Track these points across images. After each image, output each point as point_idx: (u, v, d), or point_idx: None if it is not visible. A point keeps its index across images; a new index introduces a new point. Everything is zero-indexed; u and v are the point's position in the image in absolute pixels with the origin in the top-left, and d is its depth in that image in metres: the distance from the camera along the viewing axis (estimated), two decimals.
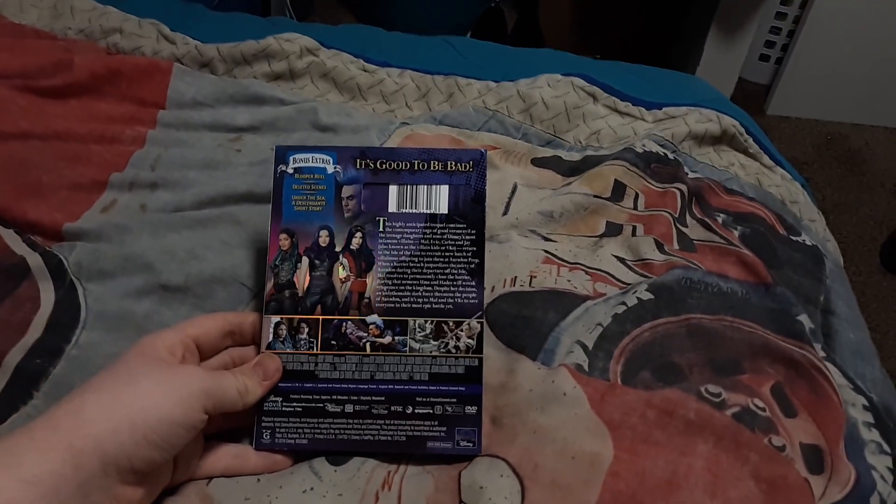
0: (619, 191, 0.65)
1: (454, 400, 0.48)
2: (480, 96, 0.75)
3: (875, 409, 0.53)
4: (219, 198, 0.62)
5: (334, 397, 0.48)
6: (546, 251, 0.59)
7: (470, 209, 0.51)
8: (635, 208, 0.64)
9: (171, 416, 0.39)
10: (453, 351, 0.49)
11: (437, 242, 0.50)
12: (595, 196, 0.64)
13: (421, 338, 0.49)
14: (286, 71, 0.76)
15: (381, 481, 0.46)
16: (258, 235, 0.59)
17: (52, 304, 0.55)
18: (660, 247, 0.60)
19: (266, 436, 0.47)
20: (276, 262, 0.49)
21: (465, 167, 0.51)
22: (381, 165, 0.51)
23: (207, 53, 0.77)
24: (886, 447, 0.51)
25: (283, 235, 0.50)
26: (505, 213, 0.63)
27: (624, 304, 0.55)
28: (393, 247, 0.50)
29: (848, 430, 0.51)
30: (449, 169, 0.51)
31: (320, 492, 0.45)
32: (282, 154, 0.51)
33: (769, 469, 0.46)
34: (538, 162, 0.69)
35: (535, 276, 0.57)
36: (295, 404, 0.48)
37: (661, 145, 0.69)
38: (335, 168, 0.51)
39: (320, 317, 0.49)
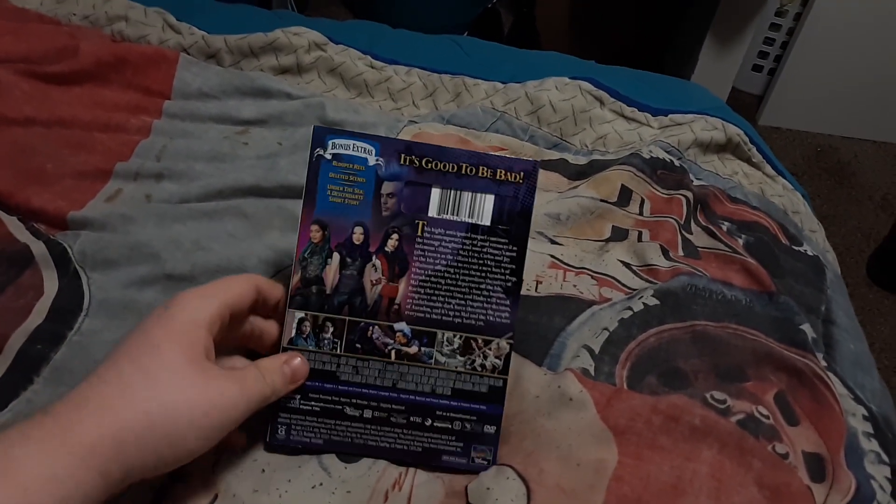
0: (625, 196, 0.65)
1: (474, 418, 0.47)
2: (488, 97, 0.75)
3: (874, 420, 0.54)
4: (226, 190, 0.62)
5: (354, 401, 0.47)
6: (552, 256, 0.59)
7: (514, 224, 0.47)
8: (641, 214, 0.65)
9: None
10: (479, 369, 0.47)
11: (475, 255, 0.47)
12: (602, 200, 0.64)
13: (448, 352, 0.47)
14: (294, 65, 0.76)
15: (391, 481, 0.46)
16: (265, 229, 0.59)
17: (56, 292, 0.54)
18: (665, 253, 0.60)
19: (281, 431, 0.46)
20: (305, 255, 0.46)
21: (516, 178, 0.47)
22: (426, 164, 0.47)
23: (214, 44, 0.76)
24: (885, 457, 0.51)
25: (314, 227, 0.46)
26: None
27: (630, 309, 0.55)
28: (429, 254, 0.47)
29: (848, 440, 0.51)
30: (498, 177, 0.47)
31: (329, 487, 0.45)
32: (320, 136, 0.46)
33: (773, 476, 0.46)
34: (545, 165, 0.69)
35: (541, 282, 0.57)
36: (313, 403, 0.46)
37: (667, 152, 0.70)
38: (377, 160, 0.47)
39: (347, 317, 0.47)
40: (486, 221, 0.47)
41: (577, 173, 0.68)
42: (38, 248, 0.57)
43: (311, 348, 0.46)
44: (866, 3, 1.72)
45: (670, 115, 0.76)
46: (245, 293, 0.43)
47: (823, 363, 0.55)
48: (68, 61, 0.69)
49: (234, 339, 0.45)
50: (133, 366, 0.37)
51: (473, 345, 0.47)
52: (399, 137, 0.68)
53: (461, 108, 0.74)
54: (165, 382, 0.37)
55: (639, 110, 0.76)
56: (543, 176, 0.68)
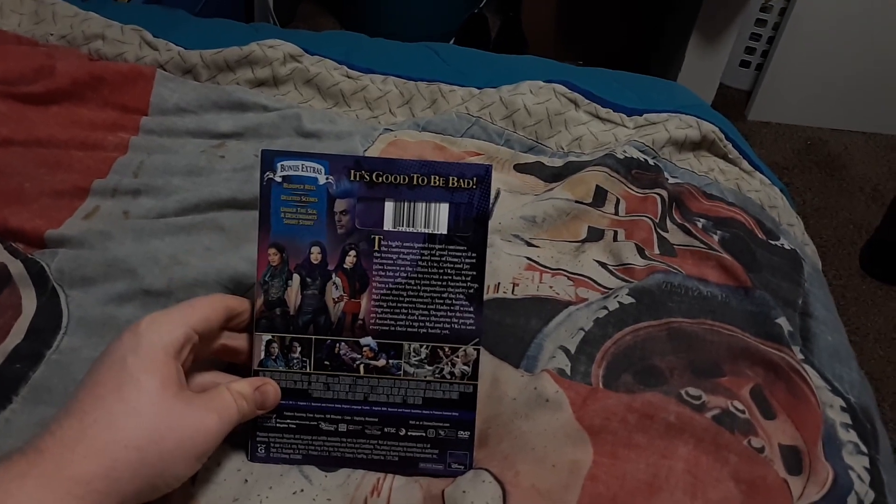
0: (600, 196, 0.65)
1: (447, 425, 0.48)
2: (463, 103, 0.75)
3: (853, 411, 0.54)
4: (202, 204, 0.62)
5: (328, 416, 0.47)
6: (528, 258, 0.59)
7: (471, 230, 0.47)
8: (616, 213, 0.65)
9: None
10: (448, 377, 0.47)
11: (434, 265, 0.47)
12: (577, 201, 0.64)
13: (415, 362, 0.47)
14: (269, 77, 0.76)
15: (370, 487, 0.46)
16: (242, 242, 0.59)
17: (34, 311, 0.55)
18: (641, 251, 0.61)
19: (261, 450, 0.47)
20: (266, 279, 0.47)
21: (468, 184, 0.46)
22: (377, 178, 0.46)
23: (190, 60, 0.77)
24: (864, 447, 0.52)
25: (272, 250, 0.46)
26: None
27: (605, 308, 0.55)
28: (388, 267, 0.47)
29: (826, 431, 0.51)
30: (451, 185, 0.46)
31: (310, 494, 0.45)
32: (269, 159, 0.46)
33: (749, 470, 0.46)
34: (521, 168, 0.70)
35: (518, 284, 0.57)
36: (289, 421, 0.47)
37: (641, 151, 0.70)
38: (327, 178, 0.46)
39: (313, 336, 0.47)
40: (443, 230, 0.47)
41: (553, 175, 0.69)
42: (15, 267, 0.57)
43: (281, 369, 0.47)
44: None
45: (645, 115, 0.76)
46: (213, 314, 0.44)
47: (800, 356, 0.55)
48: (45, 81, 0.69)
49: (206, 354, 0.46)
50: (118, 401, 0.38)
51: (440, 353, 0.47)
52: (375, 145, 0.68)
53: (437, 114, 0.74)
54: (151, 415, 0.39)
55: (614, 111, 0.76)
56: (519, 179, 0.68)
